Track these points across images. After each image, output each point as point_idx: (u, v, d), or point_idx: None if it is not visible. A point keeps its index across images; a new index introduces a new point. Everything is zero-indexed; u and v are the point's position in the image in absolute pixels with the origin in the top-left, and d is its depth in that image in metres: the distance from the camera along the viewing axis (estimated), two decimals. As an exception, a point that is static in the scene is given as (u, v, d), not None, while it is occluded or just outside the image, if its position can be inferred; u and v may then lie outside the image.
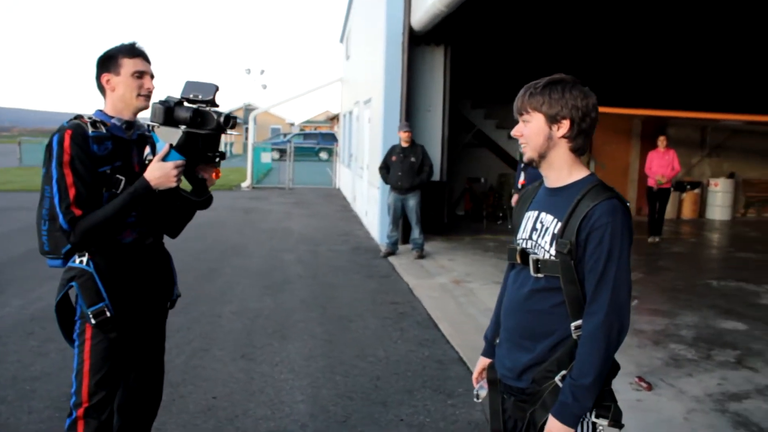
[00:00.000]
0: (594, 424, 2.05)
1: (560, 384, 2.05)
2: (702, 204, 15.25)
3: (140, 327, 2.67)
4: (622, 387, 4.73)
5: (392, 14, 9.92)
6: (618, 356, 5.36)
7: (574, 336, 2.05)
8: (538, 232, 2.12)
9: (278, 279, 7.85)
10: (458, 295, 7.33)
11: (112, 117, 2.58)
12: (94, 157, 2.45)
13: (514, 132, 2.17)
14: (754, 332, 6.20)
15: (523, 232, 2.19)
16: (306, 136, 40.94)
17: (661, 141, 11.83)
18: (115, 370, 2.56)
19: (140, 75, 2.57)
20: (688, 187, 15.02)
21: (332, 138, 37.68)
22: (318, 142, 37.90)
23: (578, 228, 1.99)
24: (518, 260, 2.17)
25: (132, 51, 2.58)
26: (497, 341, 2.42)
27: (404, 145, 9.23)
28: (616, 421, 2.05)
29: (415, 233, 9.38)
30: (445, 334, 5.89)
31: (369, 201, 12.13)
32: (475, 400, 2.47)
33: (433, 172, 9.53)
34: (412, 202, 9.25)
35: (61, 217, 2.39)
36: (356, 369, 4.92)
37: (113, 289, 2.52)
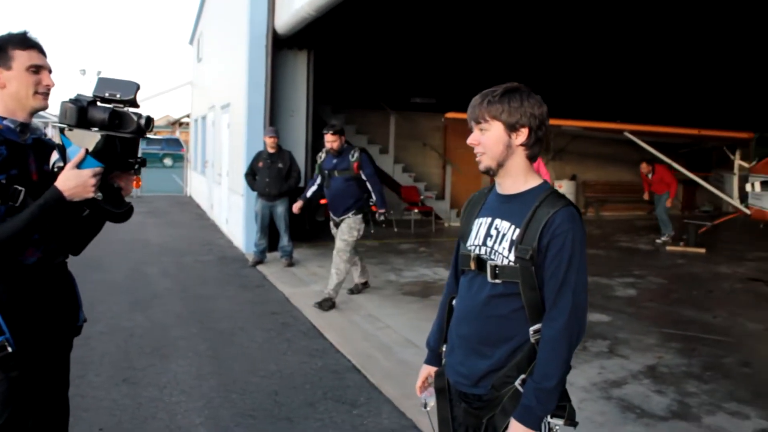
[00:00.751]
0: (549, 423, 2.06)
1: (520, 388, 2.06)
2: (547, 204, 16.24)
3: (45, 361, 2.32)
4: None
5: (255, 17, 9.64)
6: None
7: (533, 340, 2.07)
8: (494, 239, 2.11)
9: (146, 294, 7.34)
10: (338, 302, 7.23)
11: (4, 118, 2.22)
12: None
13: (470, 140, 2.13)
14: (616, 323, 6.66)
15: (476, 238, 2.17)
16: (149, 141, 38.94)
17: None
18: (16, 417, 2.19)
19: (37, 69, 2.23)
20: (536, 189, 15.95)
21: (177, 143, 36.15)
22: (162, 148, 36.19)
23: (540, 234, 2.00)
24: (473, 267, 2.15)
25: (25, 42, 2.24)
26: (444, 348, 2.38)
27: (271, 150, 8.99)
28: (572, 420, 2.09)
29: (284, 241, 9.17)
30: (334, 343, 5.78)
31: (230, 209, 11.72)
32: (423, 409, 2.42)
33: (301, 178, 9.39)
34: (281, 209, 9.04)
35: None
36: (251, 385, 4.69)
37: (15, 320, 2.15)
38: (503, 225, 2.10)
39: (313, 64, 10.66)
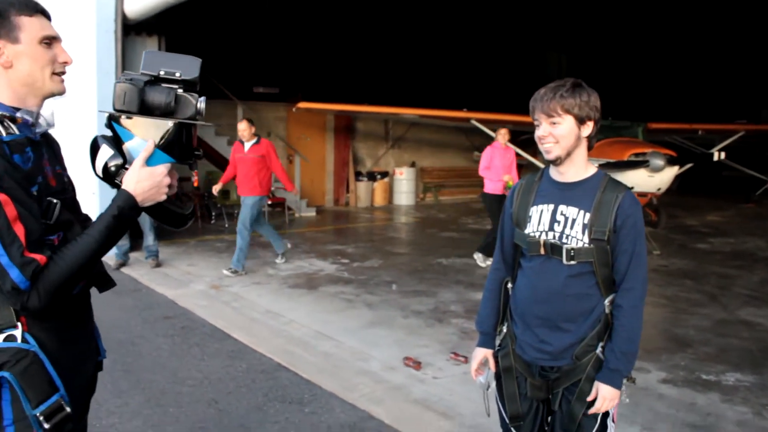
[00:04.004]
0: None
1: (602, 356, 2.24)
2: (390, 191, 16.67)
3: (84, 410, 1.96)
4: (444, 365, 5.03)
5: (103, 0, 8.84)
6: (414, 339, 5.77)
7: (607, 311, 2.25)
8: (562, 224, 2.25)
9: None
10: (228, 300, 6.96)
11: (17, 109, 1.73)
12: (22, 174, 1.66)
13: (541, 133, 2.23)
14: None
15: (540, 225, 2.29)
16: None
17: (503, 135, 9.20)
18: None
19: (50, 42, 1.78)
20: (379, 176, 16.32)
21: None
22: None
23: (615, 216, 2.16)
24: (542, 252, 2.25)
25: (31, 6, 1.75)
26: (503, 328, 2.45)
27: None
28: (632, 378, 2.31)
29: (149, 240, 8.60)
30: (247, 343, 5.56)
31: (87, 210, 10.71)
32: (485, 391, 2.50)
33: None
34: (145, 206, 8.44)
35: (16, 271, 1.58)
36: (184, 396, 4.38)
37: (66, 371, 1.77)
38: (570, 210, 2.24)
39: (165, 49, 10.04)
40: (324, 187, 15.98)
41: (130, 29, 9.41)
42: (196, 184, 3.23)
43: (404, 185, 16.58)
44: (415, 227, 13.53)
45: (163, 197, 1.82)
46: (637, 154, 10.20)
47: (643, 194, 10.40)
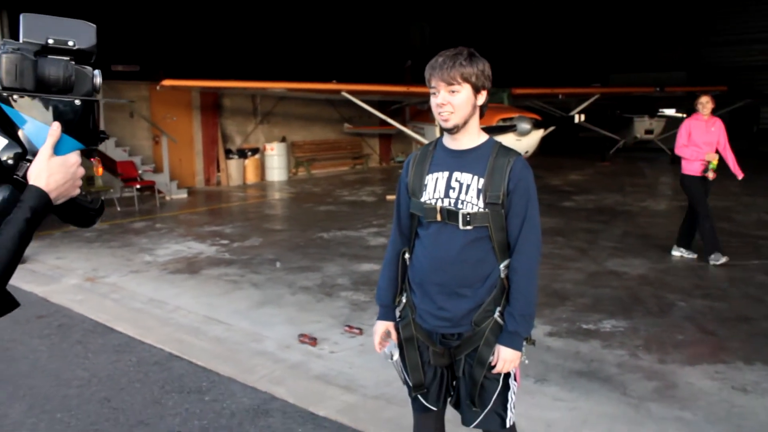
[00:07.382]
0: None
1: (500, 320, 2.34)
2: (262, 168, 16.39)
3: None
4: (340, 338, 5.08)
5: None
6: (306, 315, 5.90)
7: (503, 275, 2.34)
8: (457, 190, 2.31)
9: None
10: (106, 292, 6.62)
11: None
12: None
13: (441, 101, 2.26)
14: (389, 269, 7.17)
15: (435, 192, 2.34)
16: None
17: (704, 104, 7.37)
18: None
19: None
20: (249, 153, 15.99)
21: None
22: None
23: (508, 179, 2.26)
24: (439, 218, 2.31)
25: None
26: (402, 298, 2.50)
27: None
28: (532, 339, 2.43)
29: (9, 235, 7.96)
30: (133, 335, 5.33)
31: None
32: (390, 361, 2.52)
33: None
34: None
35: None
36: (71, 398, 4.14)
37: None
38: (464, 177, 2.31)
39: (8, 26, 9.25)
40: (194, 168, 15.42)
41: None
42: (100, 173, 2.77)
43: (276, 161, 16.34)
44: (290, 203, 13.40)
45: (77, 191, 1.55)
46: (504, 119, 10.65)
47: (511, 158, 10.94)
